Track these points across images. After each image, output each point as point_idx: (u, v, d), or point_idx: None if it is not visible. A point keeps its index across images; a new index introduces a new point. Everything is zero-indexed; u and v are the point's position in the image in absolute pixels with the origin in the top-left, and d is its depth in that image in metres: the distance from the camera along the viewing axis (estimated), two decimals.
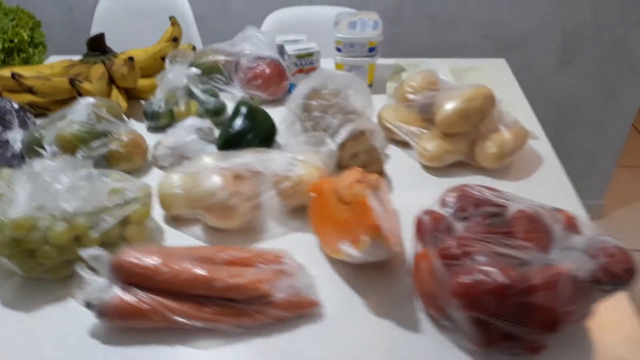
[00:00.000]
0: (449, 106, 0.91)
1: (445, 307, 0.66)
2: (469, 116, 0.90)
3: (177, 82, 1.09)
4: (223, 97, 1.18)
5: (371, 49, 1.16)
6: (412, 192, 0.92)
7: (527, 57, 1.82)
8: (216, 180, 0.81)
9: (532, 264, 0.63)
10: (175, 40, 1.20)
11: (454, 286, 0.62)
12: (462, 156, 0.94)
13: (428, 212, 0.74)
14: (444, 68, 1.30)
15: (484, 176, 0.95)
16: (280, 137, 1.03)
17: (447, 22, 1.79)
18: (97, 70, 1.17)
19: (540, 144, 1.02)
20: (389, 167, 0.98)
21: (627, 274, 0.61)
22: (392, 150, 1.03)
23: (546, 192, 0.90)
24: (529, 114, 1.11)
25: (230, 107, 1.12)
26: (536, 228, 0.66)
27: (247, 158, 0.86)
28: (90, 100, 0.99)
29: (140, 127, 1.15)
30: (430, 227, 0.72)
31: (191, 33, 1.67)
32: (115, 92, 1.17)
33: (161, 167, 1.01)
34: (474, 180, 0.94)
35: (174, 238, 0.86)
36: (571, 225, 0.69)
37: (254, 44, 1.20)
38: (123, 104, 1.15)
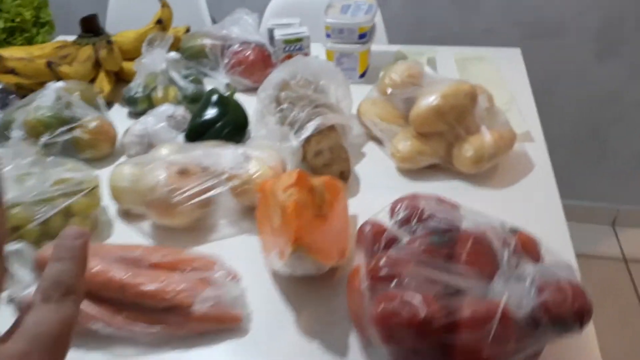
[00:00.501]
0: (423, 102, 0.82)
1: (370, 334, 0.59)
2: (445, 114, 0.80)
3: (153, 66, 1.05)
4: (209, 83, 1.13)
5: (362, 35, 1.07)
6: (381, 195, 0.83)
7: (562, 46, 1.67)
8: (159, 174, 0.77)
9: (468, 294, 0.55)
10: (159, 22, 1.15)
11: (372, 314, 0.55)
12: (438, 159, 0.85)
13: (370, 223, 0.66)
14: (448, 57, 1.19)
15: (462, 181, 0.85)
16: (252, 129, 0.97)
17: (474, 6, 1.66)
18: (84, 52, 1.15)
19: (536, 147, 0.91)
20: (361, 167, 0.91)
21: (574, 315, 0.52)
22: (370, 148, 0.95)
23: (529, 204, 0.80)
24: (531, 113, 1.00)
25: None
26: (480, 252, 0.58)
27: (199, 152, 0.80)
28: (60, 84, 0.97)
29: (123, 113, 1.12)
30: (370, 240, 0.65)
31: (202, 16, 1.63)
32: (101, 76, 1.15)
33: (129, 156, 0.98)
34: (450, 186, 0.85)
35: (123, 233, 0.82)
36: (529, 249, 0.60)
37: (241, 27, 1.14)
38: (106, 87, 1.12)
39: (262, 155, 0.81)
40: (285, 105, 0.89)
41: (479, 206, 0.81)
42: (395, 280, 0.57)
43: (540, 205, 0.80)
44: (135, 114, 1.09)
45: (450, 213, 0.63)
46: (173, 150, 0.86)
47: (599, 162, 1.89)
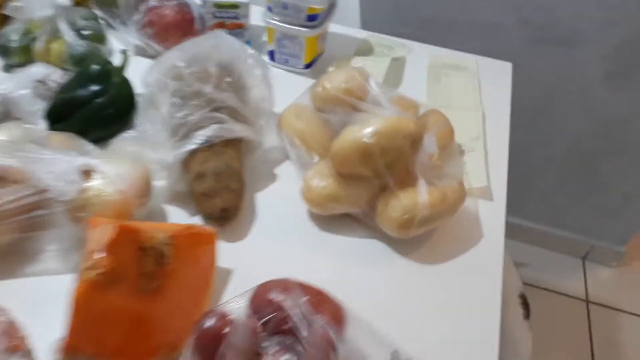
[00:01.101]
0: (349, 136, 0.60)
1: None
2: (372, 157, 0.58)
3: (34, 12, 0.81)
4: (118, 40, 0.90)
5: (311, 17, 0.83)
6: (276, 245, 0.63)
7: (569, 59, 1.41)
8: None
9: None
10: None
11: None
12: (357, 209, 0.63)
13: (216, 315, 0.46)
14: (422, 58, 0.96)
15: (384, 243, 0.64)
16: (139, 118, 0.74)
17: None
18: None
19: (492, 210, 0.69)
20: (265, 195, 0.69)
21: None
22: (286, 170, 0.73)
23: (461, 289, 0.60)
24: (501, 156, 0.77)
25: (117, 57, 0.84)
26: None
27: (26, 152, 0.58)
28: None
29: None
30: (205, 344, 0.45)
31: None
32: None
33: None
34: (368, 247, 0.64)
35: None
36: None
37: None
38: None
39: (115, 170, 0.59)
40: (174, 100, 0.66)
41: (400, 277, 0.61)
42: None
43: (476, 294, 0.60)
44: (10, 67, 0.86)
45: (324, 331, 0.42)
46: (13, 137, 0.64)
47: (585, 194, 1.68)
